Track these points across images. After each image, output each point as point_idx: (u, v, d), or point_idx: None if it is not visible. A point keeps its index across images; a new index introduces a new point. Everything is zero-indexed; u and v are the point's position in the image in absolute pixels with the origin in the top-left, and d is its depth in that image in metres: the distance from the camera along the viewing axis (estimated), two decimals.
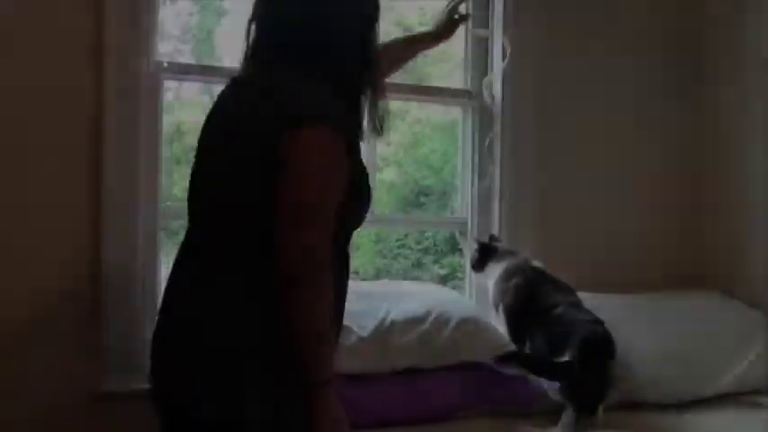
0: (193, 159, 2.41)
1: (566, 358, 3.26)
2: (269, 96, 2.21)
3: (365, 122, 2.41)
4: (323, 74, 2.27)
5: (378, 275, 4.97)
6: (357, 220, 2.39)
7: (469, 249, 3.92)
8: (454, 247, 4.36)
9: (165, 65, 3.54)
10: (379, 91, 2.43)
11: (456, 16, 3.25)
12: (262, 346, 2.22)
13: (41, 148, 3.29)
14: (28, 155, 3.28)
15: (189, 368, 2.26)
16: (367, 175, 2.36)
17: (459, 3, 3.23)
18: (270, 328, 2.20)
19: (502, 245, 3.86)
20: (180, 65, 3.70)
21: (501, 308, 3.64)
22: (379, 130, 2.45)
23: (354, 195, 2.28)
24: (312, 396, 2.24)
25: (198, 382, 2.24)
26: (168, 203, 3.62)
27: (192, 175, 2.40)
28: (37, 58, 3.28)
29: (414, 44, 3.24)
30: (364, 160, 2.35)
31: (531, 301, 3.54)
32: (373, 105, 2.42)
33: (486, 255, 3.80)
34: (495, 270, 3.73)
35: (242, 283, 2.23)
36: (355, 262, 5.18)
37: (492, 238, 3.94)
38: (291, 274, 2.13)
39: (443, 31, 3.23)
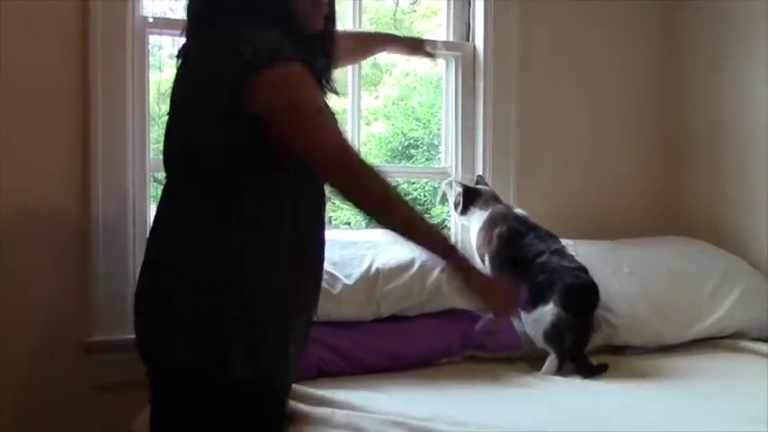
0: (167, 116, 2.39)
1: (550, 306, 3.22)
2: (234, 44, 2.15)
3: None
4: (273, 23, 2.23)
5: (368, 226, 4.93)
6: None
7: (453, 193, 3.84)
8: (442, 198, 4.29)
9: (151, 20, 3.46)
10: (329, 41, 2.44)
11: (427, 49, 3.29)
12: (233, 288, 2.18)
13: (27, 108, 3.24)
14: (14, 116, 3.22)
15: (161, 319, 2.24)
16: (333, 114, 2.34)
17: (436, 50, 3.31)
18: (242, 269, 2.17)
19: (487, 189, 3.78)
20: (166, 20, 3.60)
21: (486, 257, 3.57)
22: (329, 85, 2.45)
23: None
24: (448, 268, 2.33)
25: (169, 332, 2.21)
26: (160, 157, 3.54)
27: (166, 130, 2.37)
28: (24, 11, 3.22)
29: (380, 43, 3.22)
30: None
31: (515, 249, 3.48)
32: (325, 54, 2.42)
33: (469, 199, 3.72)
34: (478, 217, 3.67)
35: (212, 226, 2.20)
36: (346, 213, 5.16)
37: (479, 179, 3.87)
38: (340, 169, 2.16)
39: (409, 48, 3.22)
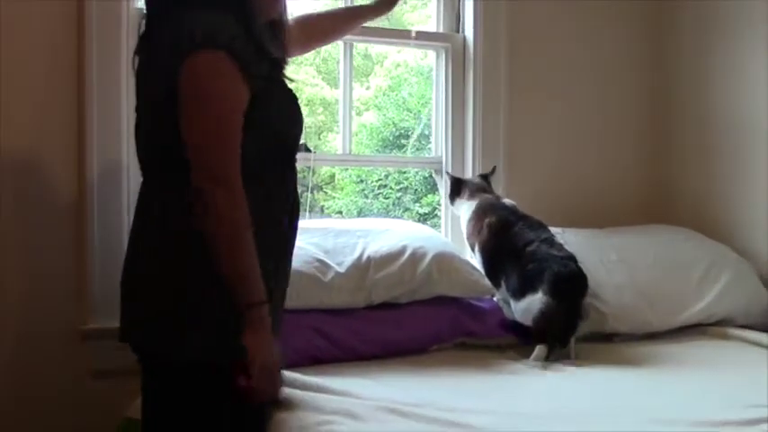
0: None
1: (539, 294, 3.22)
2: (181, 29, 2.16)
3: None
4: (227, 10, 2.23)
5: (359, 214, 4.93)
6: (282, 131, 2.35)
7: (444, 183, 3.85)
8: (433, 187, 4.30)
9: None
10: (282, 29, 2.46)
11: None
12: (195, 272, 2.19)
13: (24, 85, 3.23)
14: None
15: (135, 305, 2.30)
16: (287, 89, 2.38)
17: None
18: (199, 256, 2.15)
19: (475, 180, 3.79)
20: None
21: (476, 247, 3.58)
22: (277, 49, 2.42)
23: (266, 108, 2.25)
24: (246, 319, 2.18)
25: (139, 316, 2.28)
26: None
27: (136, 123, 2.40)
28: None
29: (353, 17, 3.12)
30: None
31: (505, 239, 3.47)
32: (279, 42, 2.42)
33: (455, 189, 3.75)
34: (467, 207, 3.68)
35: (172, 213, 2.21)
36: (338, 202, 5.16)
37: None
38: (199, 196, 2.11)
39: (382, 4, 3.11)
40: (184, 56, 2.11)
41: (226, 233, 2.14)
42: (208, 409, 2.23)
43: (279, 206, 2.34)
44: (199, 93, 2.13)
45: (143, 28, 2.35)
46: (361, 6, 3.19)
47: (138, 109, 2.35)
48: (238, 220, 2.14)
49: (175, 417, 2.28)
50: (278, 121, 2.31)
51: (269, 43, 2.35)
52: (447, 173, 3.83)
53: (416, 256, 3.31)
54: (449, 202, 3.80)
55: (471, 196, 3.68)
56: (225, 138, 2.15)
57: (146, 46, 2.32)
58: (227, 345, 2.16)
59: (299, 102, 2.43)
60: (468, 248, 3.66)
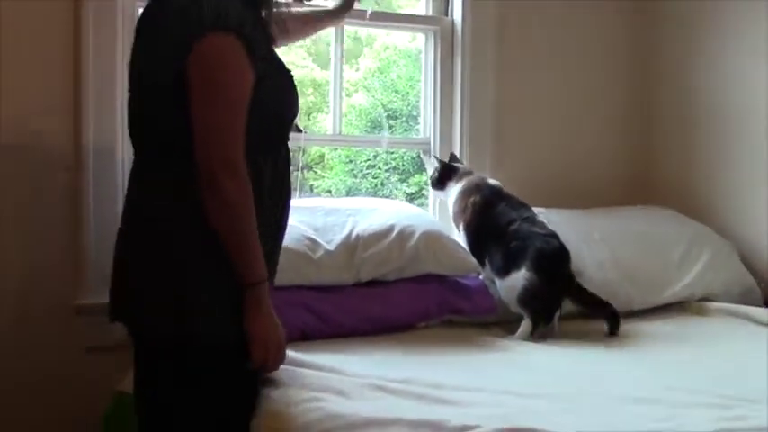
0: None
1: (522, 271, 3.22)
2: (184, 7, 2.14)
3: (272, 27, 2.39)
4: None
5: (348, 194, 4.92)
6: (280, 113, 2.35)
7: (431, 167, 3.84)
8: (421, 167, 4.28)
9: None
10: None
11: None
12: (196, 250, 2.19)
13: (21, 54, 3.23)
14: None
15: (129, 283, 2.28)
16: (285, 70, 2.37)
17: None
18: (203, 230, 2.16)
19: (462, 165, 3.78)
20: None
21: (461, 226, 3.58)
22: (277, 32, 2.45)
23: (268, 91, 2.23)
24: (246, 298, 2.20)
25: (137, 296, 2.26)
26: None
27: (129, 103, 2.36)
28: None
29: (314, 21, 3.09)
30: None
31: (488, 218, 3.48)
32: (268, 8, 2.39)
33: (446, 174, 3.73)
34: (454, 189, 3.66)
35: (170, 187, 2.20)
36: (327, 182, 5.14)
37: (452, 157, 3.86)
38: (208, 180, 2.11)
39: (340, 8, 3.09)
40: (194, 38, 2.10)
41: (231, 216, 2.15)
42: (199, 383, 2.23)
43: (273, 186, 2.32)
44: (209, 77, 2.12)
45: (145, 7, 2.32)
46: (322, 10, 3.17)
47: (134, 87, 2.31)
48: (244, 203, 2.15)
49: (168, 391, 2.27)
50: (276, 104, 2.30)
51: (269, 26, 2.35)
52: (436, 158, 3.82)
53: (404, 235, 3.30)
54: (432, 187, 3.80)
55: (460, 178, 3.67)
56: (234, 123, 2.15)
57: (150, 26, 2.28)
58: (225, 325, 2.19)
59: None
60: (455, 228, 3.65)
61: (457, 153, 3.92)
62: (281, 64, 2.37)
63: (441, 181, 3.73)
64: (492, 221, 3.45)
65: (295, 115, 2.42)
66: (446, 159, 3.82)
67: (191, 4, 2.12)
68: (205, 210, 2.13)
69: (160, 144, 2.24)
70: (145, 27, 2.30)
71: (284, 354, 2.31)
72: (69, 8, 3.27)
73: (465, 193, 3.59)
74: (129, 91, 2.33)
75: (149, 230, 2.22)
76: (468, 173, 3.70)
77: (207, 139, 2.12)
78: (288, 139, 2.42)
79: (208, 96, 2.12)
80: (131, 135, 2.34)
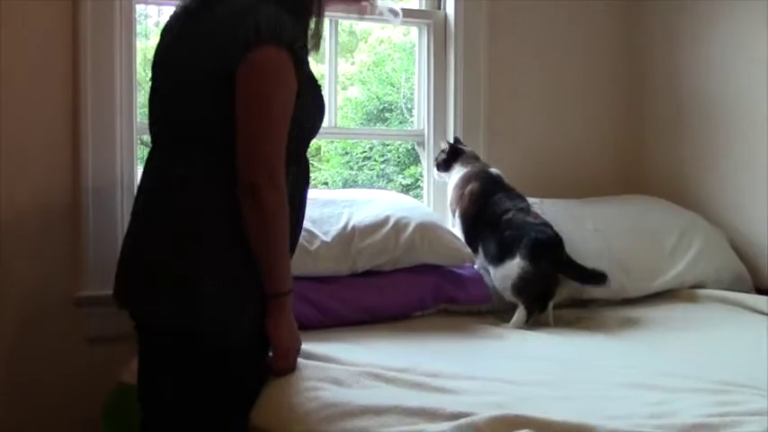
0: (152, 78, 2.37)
1: (516, 259, 3.21)
2: (238, 15, 2.14)
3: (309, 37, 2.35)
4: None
5: (345, 186, 4.92)
6: (312, 127, 2.35)
7: (435, 150, 3.87)
8: (416, 159, 4.27)
9: None
10: (321, 8, 2.36)
11: None
12: (215, 251, 2.18)
13: (18, 73, 3.21)
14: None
15: (142, 275, 2.25)
16: (318, 87, 2.36)
17: None
18: (229, 227, 2.16)
19: (468, 149, 3.77)
20: None
21: (457, 213, 3.57)
22: (315, 45, 2.39)
23: (305, 107, 2.24)
24: (271, 306, 2.22)
25: (150, 289, 2.23)
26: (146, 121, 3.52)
27: (155, 93, 2.35)
28: None
29: None
30: (319, 75, 2.30)
31: (483, 206, 3.47)
32: (316, 22, 2.36)
33: (453, 157, 3.72)
34: (457, 173, 3.66)
35: (199, 190, 2.19)
36: (324, 174, 5.13)
37: (456, 140, 3.85)
38: (250, 190, 2.12)
39: None
40: (250, 47, 2.11)
41: (269, 226, 2.16)
42: (203, 375, 2.22)
43: (295, 191, 2.32)
44: (260, 89, 2.12)
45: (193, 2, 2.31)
46: None
47: (165, 84, 2.31)
48: (282, 215, 2.17)
49: (173, 383, 2.25)
50: (308, 120, 2.31)
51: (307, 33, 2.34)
52: (445, 140, 3.82)
53: (400, 226, 3.29)
54: (437, 169, 3.78)
55: (465, 164, 3.67)
56: (279, 136, 2.17)
57: (195, 27, 2.26)
58: (236, 325, 2.20)
59: None
60: (450, 216, 3.65)
61: (460, 138, 3.91)
62: (315, 81, 2.37)
63: (447, 162, 3.72)
64: (487, 210, 3.44)
65: (321, 122, 2.42)
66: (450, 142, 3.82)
67: (246, 14, 2.13)
68: (243, 217, 2.14)
69: (184, 136, 2.23)
70: (187, 28, 2.28)
71: (296, 359, 2.36)
72: (68, 8, 3.25)
73: (464, 181, 3.59)
74: (155, 88, 2.33)
75: (170, 223, 2.21)
76: (474, 157, 3.71)
77: (252, 150, 2.13)
78: (307, 150, 2.44)
79: (256, 108, 2.12)
80: (156, 130, 2.33)
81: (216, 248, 2.18)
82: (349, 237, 3.22)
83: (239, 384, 2.27)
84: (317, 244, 3.15)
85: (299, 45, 2.20)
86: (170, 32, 2.34)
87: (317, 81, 2.38)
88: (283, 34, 2.14)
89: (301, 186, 2.39)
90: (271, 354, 2.31)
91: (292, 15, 2.21)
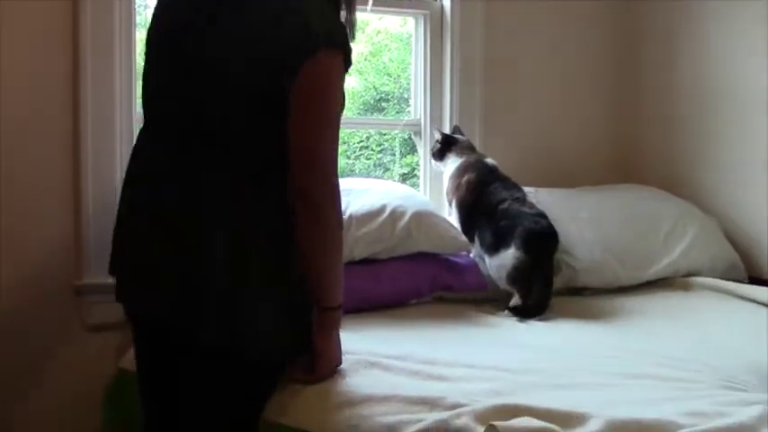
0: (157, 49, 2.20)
1: (511, 249, 3.21)
2: (285, 12, 2.01)
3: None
4: None
5: (342, 175, 4.90)
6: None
7: (431, 139, 3.88)
8: (412, 148, 4.27)
9: None
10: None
11: None
12: (254, 254, 2.07)
13: (18, 66, 3.19)
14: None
15: (189, 295, 2.06)
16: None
17: None
18: (274, 240, 2.09)
19: (463, 138, 3.76)
20: None
21: (454, 202, 3.57)
22: (352, 36, 2.24)
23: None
24: (323, 320, 2.19)
25: (195, 303, 2.05)
26: None
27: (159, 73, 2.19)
28: None
29: None
30: None
31: (479, 196, 3.47)
32: (350, 12, 2.25)
33: (447, 146, 3.71)
34: (452, 163, 3.66)
35: (250, 190, 2.08)
36: None
37: (456, 129, 3.85)
38: (312, 206, 2.06)
39: None
40: (307, 52, 1.98)
41: (330, 242, 2.14)
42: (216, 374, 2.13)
43: None
44: (322, 96, 2.05)
45: None
46: None
47: (192, 75, 2.10)
48: (339, 226, 2.15)
49: (185, 380, 2.15)
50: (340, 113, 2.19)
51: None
52: (438, 130, 3.80)
53: (396, 214, 3.29)
54: (433, 158, 3.77)
55: (459, 154, 3.66)
56: (336, 146, 2.12)
57: (233, 15, 2.06)
58: (279, 341, 2.15)
59: None
60: (447, 205, 3.66)
61: (458, 125, 3.92)
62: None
63: (441, 153, 3.71)
64: (483, 200, 3.44)
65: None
66: (449, 133, 3.83)
67: (297, 12, 2.01)
68: (302, 230, 2.08)
69: (216, 138, 2.08)
70: (225, 14, 2.07)
71: (334, 371, 2.31)
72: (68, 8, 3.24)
73: (461, 170, 3.59)
74: (175, 80, 2.14)
75: (200, 229, 2.05)
76: (469, 147, 3.70)
77: (312, 164, 2.06)
78: None
79: (319, 114, 2.05)
80: (180, 120, 2.13)
81: (255, 260, 2.06)
82: (346, 225, 3.15)
83: (260, 393, 2.22)
84: None
85: (347, 44, 2.09)
86: (180, 13, 2.15)
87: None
88: (336, 34, 2.05)
89: None
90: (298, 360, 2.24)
91: (330, 4, 2.14)
